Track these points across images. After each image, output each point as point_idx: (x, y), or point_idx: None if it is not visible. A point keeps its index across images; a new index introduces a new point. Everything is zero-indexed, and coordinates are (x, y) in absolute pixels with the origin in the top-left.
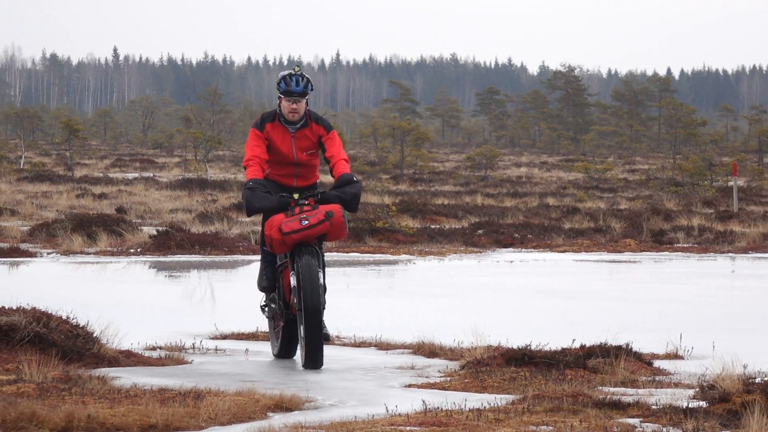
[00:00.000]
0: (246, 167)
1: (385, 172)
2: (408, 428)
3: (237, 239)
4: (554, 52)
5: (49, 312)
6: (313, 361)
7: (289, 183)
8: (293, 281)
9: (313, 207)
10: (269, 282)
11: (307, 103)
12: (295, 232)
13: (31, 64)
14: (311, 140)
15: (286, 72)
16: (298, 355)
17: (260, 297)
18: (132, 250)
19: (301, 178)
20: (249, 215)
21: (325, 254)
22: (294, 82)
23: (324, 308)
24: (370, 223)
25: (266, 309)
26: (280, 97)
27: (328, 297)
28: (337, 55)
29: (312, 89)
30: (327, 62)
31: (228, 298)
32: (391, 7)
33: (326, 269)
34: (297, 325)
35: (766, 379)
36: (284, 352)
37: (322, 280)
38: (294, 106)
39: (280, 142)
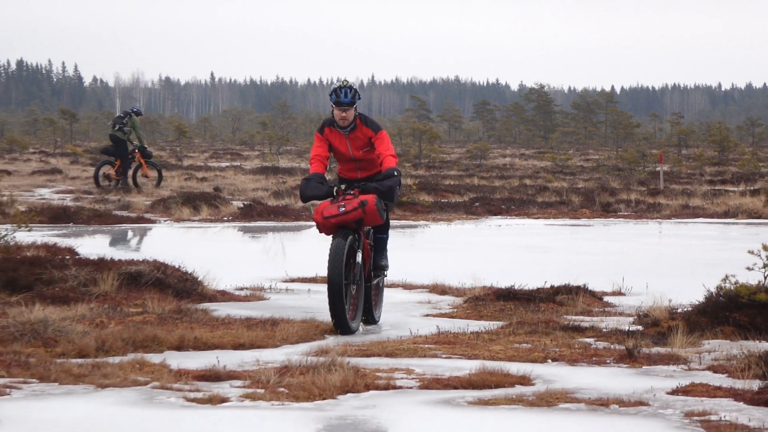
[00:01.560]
0: (310, 164)
1: (407, 161)
2: (426, 346)
3: (301, 210)
4: (530, 74)
5: (166, 263)
6: (340, 328)
7: (354, 176)
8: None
9: (355, 196)
10: None
11: (356, 110)
12: (333, 216)
13: (151, 84)
14: (363, 140)
15: (336, 85)
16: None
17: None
18: (225, 218)
19: (363, 171)
20: (303, 202)
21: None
22: (343, 93)
23: (383, 274)
24: (399, 198)
25: None
26: (332, 107)
27: None
28: (372, 77)
29: (359, 98)
30: (365, 82)
31: (295, 252)
32: (412, 40)
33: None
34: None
35: (685, 309)
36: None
37: (359, 259)
38: (343, 114)
39: (338, 143)
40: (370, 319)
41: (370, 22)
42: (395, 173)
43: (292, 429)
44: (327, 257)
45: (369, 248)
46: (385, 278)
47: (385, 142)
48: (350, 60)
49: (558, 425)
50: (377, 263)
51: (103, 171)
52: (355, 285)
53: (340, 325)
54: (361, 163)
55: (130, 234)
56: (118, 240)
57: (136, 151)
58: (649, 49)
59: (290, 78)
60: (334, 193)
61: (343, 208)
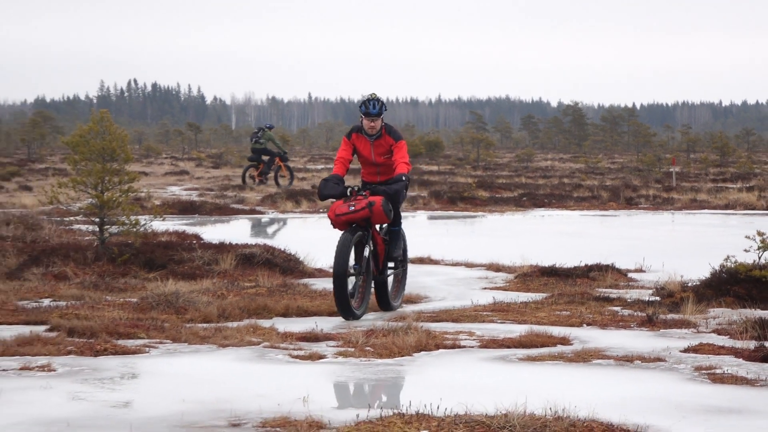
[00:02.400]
0: (334, 165)
1: (468, 164)
2: (485, 313)
3: None
4: (566, 93)
5: (273, 246)
6: (342, 314)
7: (374, 179)
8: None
9: (365, 197)
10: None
11: (382, 120)
12: (344, 214)
13: (260, 102)
14: (385, 147)
15: (366, 97)
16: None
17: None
18: (320, 210)
19: (382, 175)
20: (321, 200)
21: (433, 216)
22: (371, 105)
23: (402, 266)
24: (460, 194)
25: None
26: (361, 116)
27: (433, 238)
28: (439, 96)
29: (385, 110)
30: (433, 100)
31: None
32: (471, 65)
33: (434, 221)
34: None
35: (694, 283)
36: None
37: (366, 253)
38: (371, 123)
39: (362, 148)
40: (388, 307)
41: (437, 50)
42: (403, 178)
43: (371, 378)
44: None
45: (383, 244)
46: (406, 272)
47: (402, 150)
48: (420, 82)
49: (592, 377)
50: (391, 255)
51: (249, 173)
52: (362, 276)
53: (343, 311)
54: (381, 168)
55: (244, 223)
56: (234, 228)
57: (277, 156)
58: (663, 71)
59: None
60: (348, 193)
61: (353, 207)
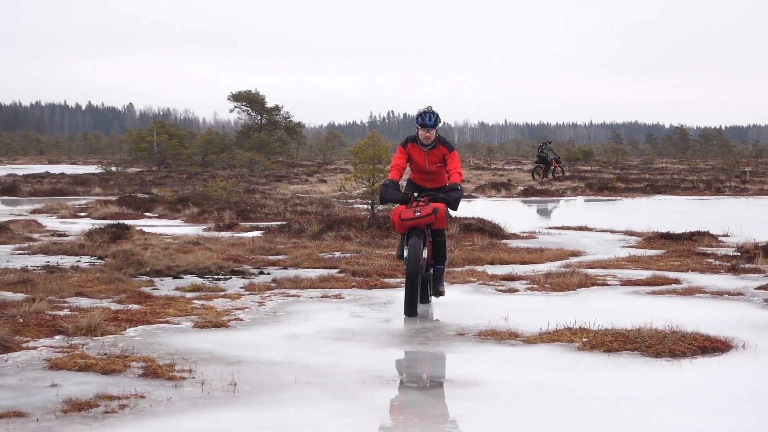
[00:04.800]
0: (390, 171)
1: (610, 165)
2: (623, 263)
3: (556, 191)
4: (675, 118)
5: (483, 218)
6: (408, 311)
7: (424, 185)
8: (405, 252)
9: (426, 204)
10: (400, 251)
11: (436, 132)
12: (410, 219)
13: (473, 125)
14: (438, 157)
15: (422, 110)
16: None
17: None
18: (513, 196)
19: (432, 182)
20: (381, 204)
21: (588, 199)
22: (428, 117)
23: (434, 269)
24: (605, 185)
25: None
26: (417, 127)
27: (588, 214)
28: (591, 121)
29: (440, 122)
30: (587, 123)
31: (560, 214)
32: (613, 99)
33: (589, 202)
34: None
35: (763, 243)
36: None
37: (425, 255)
38: (427, 134)
39: (417, 157)
40: (426, 301)
41: (588, 87)
42: (458, 187)
43: (549, 305)
44: (408, 252)
45: (430, 244)
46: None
47: (455, 160)
48: (578, 110)
49: (696, 304)
50: (437, 289)
51: (536, 171)
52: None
53: (410, 308)
54: (432, 176)
55: (463, 204)
56: (460, 206)
57: (554, 160)
58: (740, 103)
59: (547, 121)
60: (408, 199)
61: (419, 213)
